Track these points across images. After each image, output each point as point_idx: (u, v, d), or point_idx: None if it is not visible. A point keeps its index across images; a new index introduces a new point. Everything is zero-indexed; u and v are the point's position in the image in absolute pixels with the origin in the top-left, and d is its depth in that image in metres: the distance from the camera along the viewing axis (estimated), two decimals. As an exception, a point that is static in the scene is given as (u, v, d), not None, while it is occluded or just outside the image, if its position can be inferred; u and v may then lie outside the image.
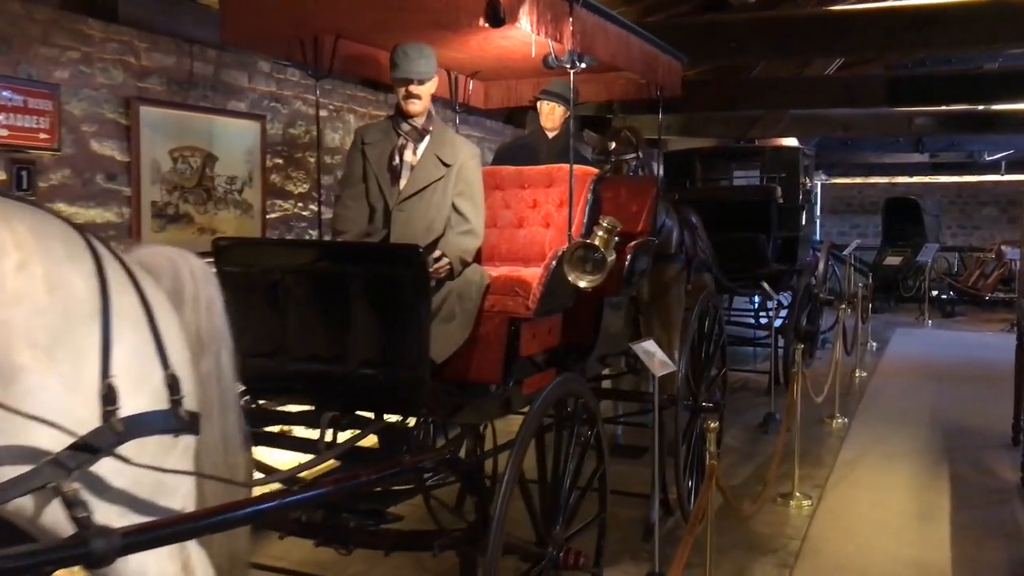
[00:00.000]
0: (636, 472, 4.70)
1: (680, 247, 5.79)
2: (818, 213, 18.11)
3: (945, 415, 6.84)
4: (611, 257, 3.14)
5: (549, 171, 3.74)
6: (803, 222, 8.21)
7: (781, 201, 7.99)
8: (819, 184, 18.19)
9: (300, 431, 2.73)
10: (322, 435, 2.34)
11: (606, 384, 5.26)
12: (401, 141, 3.32)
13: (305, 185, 5.22)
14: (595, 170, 3.71)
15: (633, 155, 5.04)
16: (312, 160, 5.21)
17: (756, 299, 9.04)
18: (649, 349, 3.56)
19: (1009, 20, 5.19)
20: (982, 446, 5.92)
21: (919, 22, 5.26)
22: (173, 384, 1.79)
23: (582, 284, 3.12)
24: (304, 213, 5.21)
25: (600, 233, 3.12)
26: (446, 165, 3.30)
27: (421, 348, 2.53)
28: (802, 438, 5.81)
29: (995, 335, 11.28)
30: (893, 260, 13.52)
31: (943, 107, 10.58)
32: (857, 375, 8.39)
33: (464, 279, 3.19)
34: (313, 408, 2.79)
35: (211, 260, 2.97)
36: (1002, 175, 15.26)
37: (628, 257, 4.01)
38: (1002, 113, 9.35)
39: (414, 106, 3.26)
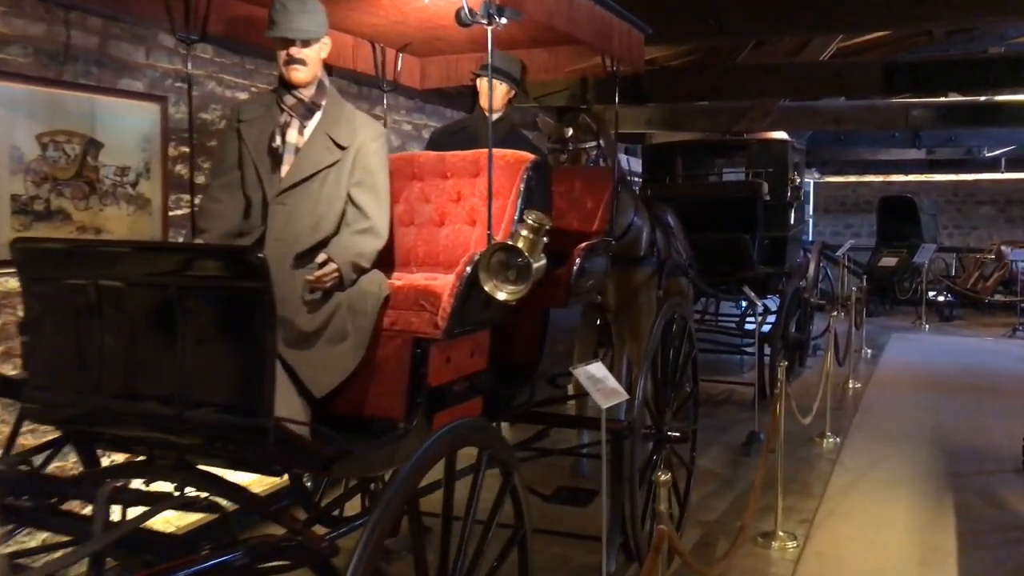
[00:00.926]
0: (596, 509, 4.06)
1: (651, 248, 5.18)
2: (811, 212, 17.50)
3: (947, 433, 6.21)
4: (539, 262, 2.50)
5: (477, 157, 3.10)
6: (792, 221, 7.59)
7: (768, 198, 7.39)
8: (811, 183, 17.60)
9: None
10: (96, 516, 1.69)
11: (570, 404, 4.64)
12: (284, 118, 2.68)
13: (220, 178, 4.57)
14: (529, 155, 3.06)
15: (593, 143, 4.41)
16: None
17: (743, 304, 8.42)
18: (595, 374, 2.92)
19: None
20: (990, 471, 5.30)
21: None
22: None
23: (502, 296, 2.48)
24: (219, 210, 4.56)
25: (524, 233, 2.48)
26: (341, 148, 2.67)
27: (263, 387, 1.89)
28: (788, 462, 5.21)
29: (996, 341, 10.68)
30: (888, 261, 12.90)
31: (942, 98, 9.98)
32: (850, 386, 7.77)
33: (358, 289, 2.56)
34: (144, 460, 2.15)
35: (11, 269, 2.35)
36: (1002, 173, 14.64)
37: (577, 261, 3.38)
38: (1006, 104, 8.72)
39: (298, 73, 2.63)
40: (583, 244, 3.46)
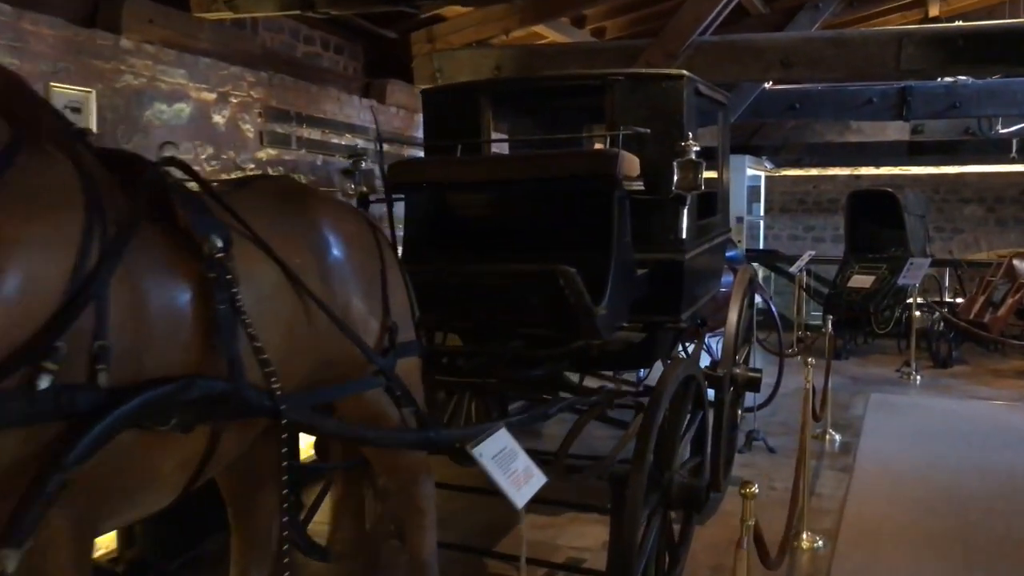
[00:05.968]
0: None
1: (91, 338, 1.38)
2: (762, 213, 13.85)
3: None
4: None
5: None
6: (684, 232, 3.80)
7: (639, 186, 3.65)
8: (763, 176, 13.98)
9: None
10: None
11: None
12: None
13: None
14: None
15: None
16: None
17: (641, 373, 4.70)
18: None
19: None
20: None
21: None
22: None
23: None
24: None
25: None
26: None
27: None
28: None
29: (1021, 408, 7.06)
30: (862, 281, 9.27)
31: (955, 23, 6.36)
32: (804, 544, 4.08)
33: None
34: None
35: None
36: (1012, 163, 10.97)
37: None
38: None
39: None
40: None
